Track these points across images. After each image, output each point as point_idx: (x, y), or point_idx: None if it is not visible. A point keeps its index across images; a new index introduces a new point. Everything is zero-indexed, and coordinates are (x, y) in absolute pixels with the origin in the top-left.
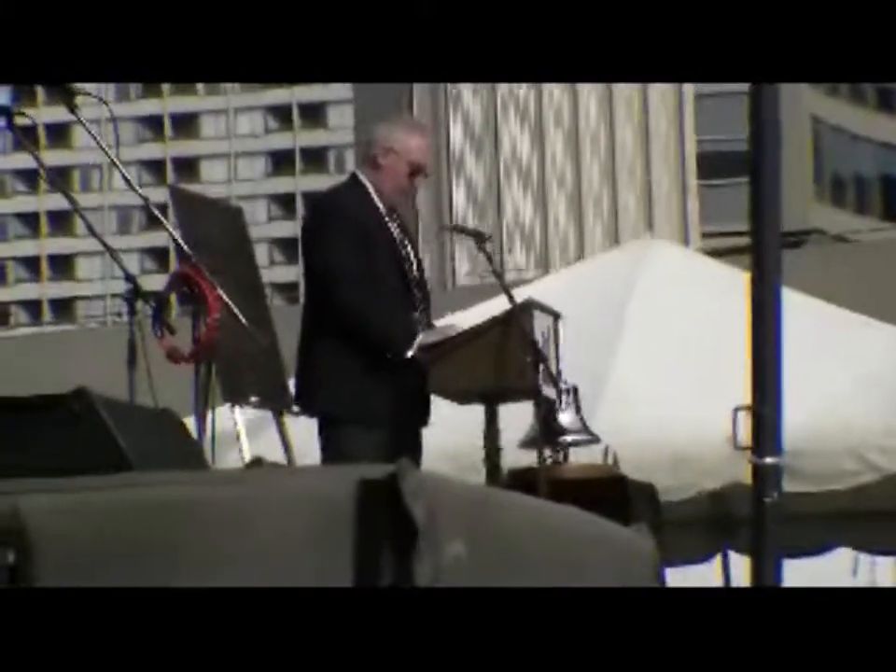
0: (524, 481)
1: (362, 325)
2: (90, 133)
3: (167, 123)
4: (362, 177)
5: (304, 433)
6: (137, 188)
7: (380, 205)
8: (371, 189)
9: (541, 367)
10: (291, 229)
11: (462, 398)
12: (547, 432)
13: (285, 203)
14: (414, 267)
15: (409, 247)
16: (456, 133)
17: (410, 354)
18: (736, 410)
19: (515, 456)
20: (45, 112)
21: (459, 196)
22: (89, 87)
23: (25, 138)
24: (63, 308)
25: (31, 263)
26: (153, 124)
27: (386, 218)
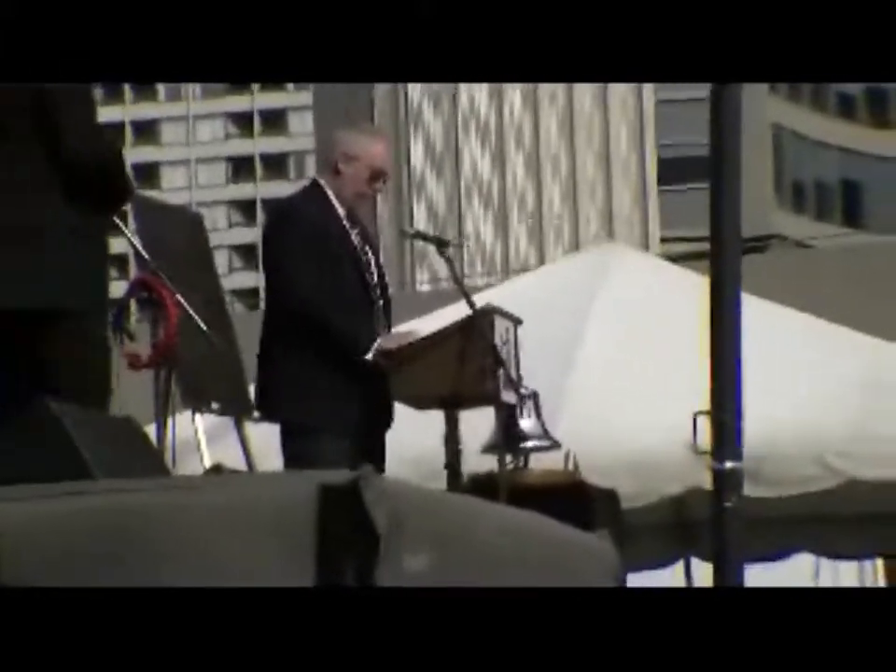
0: (485, 486)
1: (321, 329)
2: None
3: (128, 130)
4: (322, 183)
5: (265, 439)
6: None
7: (340, 211)
8: (332, 195)
9: (501, 372)
10: (251, 235)
11: (422, 403)
12: (508, 438)
13: (245, 209)
14: (375, 272)
15: (369, 253)
16: (417, 151)
17: (370, 356)
18: (696, 415)
19: (476, 462)
20: None
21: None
22: None
23: None
24: None
25: None
26: (113, 131)
27: (346, 224)
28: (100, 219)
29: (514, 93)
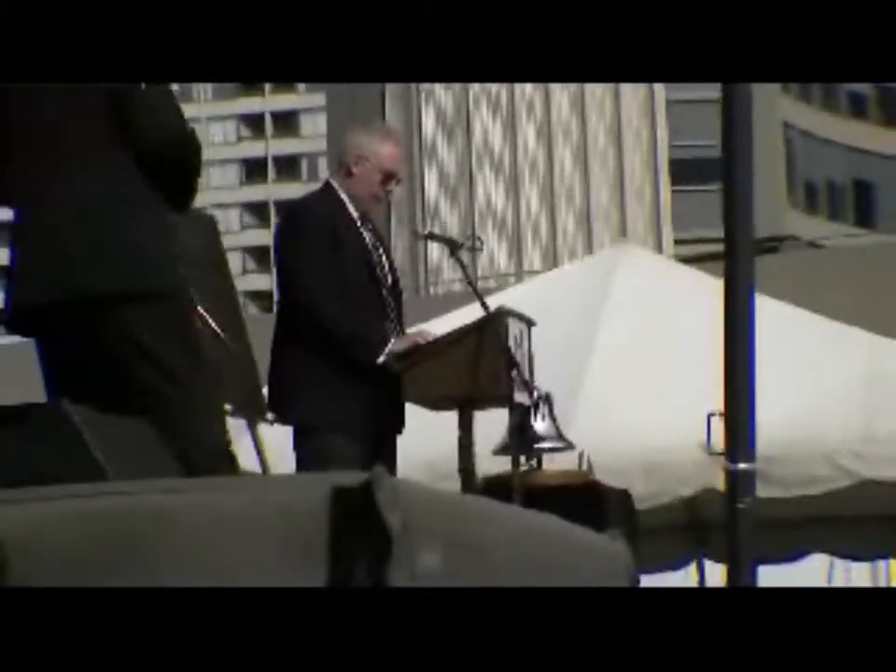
0: (498, 488)
1: (334, 331)
2: None
3: None
4: (335, 185)
5: (279, 441)
6: None
7: (353, 213)
8: (345, 197)
9: (515, 374)
10: (264, 237)
11: (436, 405)
12: (521, 439)
13: (258, 211)
14: (388, 274)
15: (382, 254)
16: (428, 124)
17: (381, 360)
18: (710, 416)
19: (490, 464)
20: None
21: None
22: None
23: None
24: None
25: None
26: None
27: (360, 225)
28: (175, 210)
29: (527, 108)
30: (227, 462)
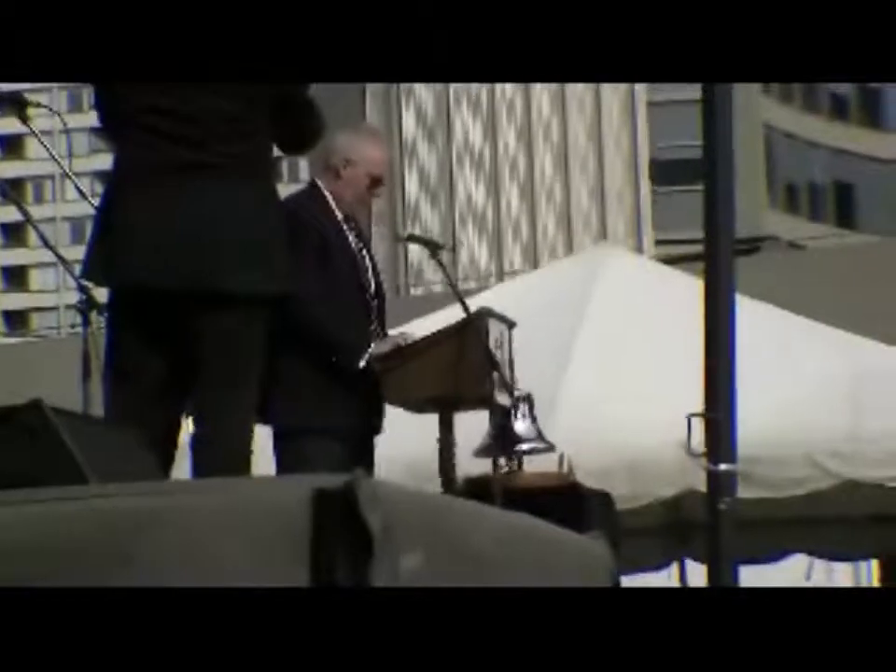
0: (479, 489)
1: (318, 335)
2: (42, 144)
3: None
4: (321, 186)
5: (258, 442)
6: (90, 198)
7: (339, 214)
8: (330, 198)
9: (496, 375)
10: None
11: (417, 406)
12: (502, 441)
13: None
14: (372, 276)
15: (366, 256)
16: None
17: (362, 364)
18: (690, 417)
19: (470, 465)
20: None
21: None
22: (41, 98)
23: None
24: (17, 319)
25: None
26: None
27: (345, 227)
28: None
29: (507, 109)
30: (248, 467)
